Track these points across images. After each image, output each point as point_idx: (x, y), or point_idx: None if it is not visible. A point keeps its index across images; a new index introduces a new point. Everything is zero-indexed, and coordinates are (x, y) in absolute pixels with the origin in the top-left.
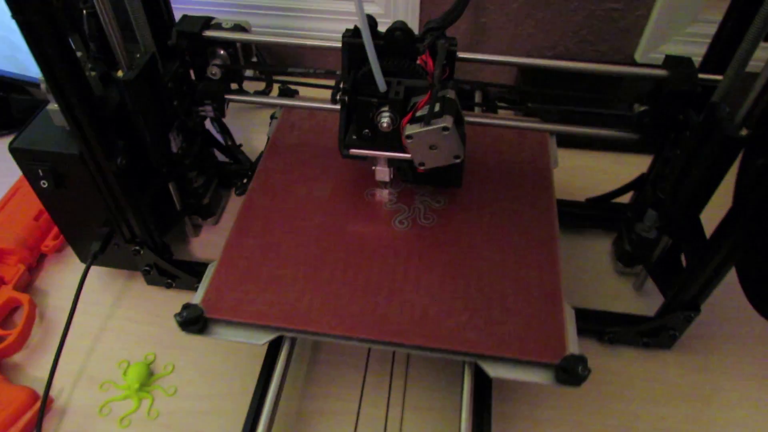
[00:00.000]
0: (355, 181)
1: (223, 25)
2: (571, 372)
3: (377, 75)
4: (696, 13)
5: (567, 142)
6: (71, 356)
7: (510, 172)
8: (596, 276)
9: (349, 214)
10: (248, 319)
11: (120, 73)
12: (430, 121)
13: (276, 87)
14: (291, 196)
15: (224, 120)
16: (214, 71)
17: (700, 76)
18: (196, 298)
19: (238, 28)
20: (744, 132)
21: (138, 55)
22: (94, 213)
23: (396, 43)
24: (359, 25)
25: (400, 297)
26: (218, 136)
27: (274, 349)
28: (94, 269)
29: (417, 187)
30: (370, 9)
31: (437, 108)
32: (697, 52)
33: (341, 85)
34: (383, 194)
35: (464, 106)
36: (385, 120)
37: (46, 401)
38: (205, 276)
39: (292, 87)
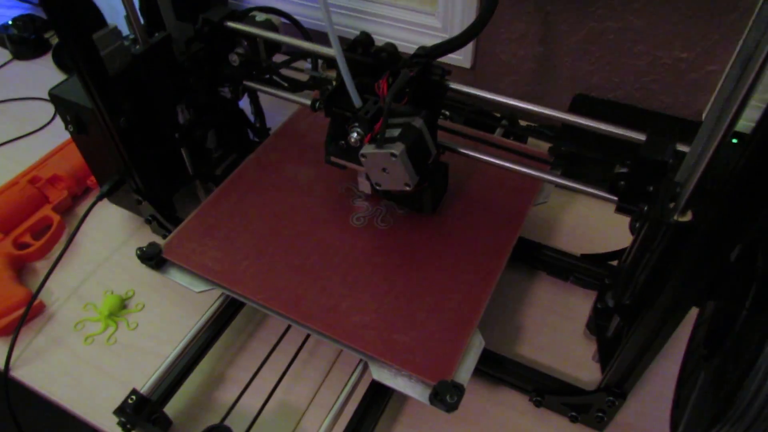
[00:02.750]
0: (340, 175)
1: (257, 18)
2: (440, 396)
3: (351, 90)
4: None
5: None
6: (75, 274)
7: (484, 202)
8: (567, 336)
9: (317, 202)
10: (193, 268)
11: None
12: (382, 145)
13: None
14: (278, 173)
15: (265, 104)
16: (234, 58)
17: (679, 148)
18: (165, 240)
19: (267, 24)
20: (687, 217)
21: (156, 34)
22: (110, 160)
23: (382, 63)
24: (330, 40)
25: (323, 285)
26: (251, 117)
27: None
28: (120, 208)
29: None
30: (427, 22)
31: (396, 134)
32: None
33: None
34: (356, 192)
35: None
36: (353, 135)
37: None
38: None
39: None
